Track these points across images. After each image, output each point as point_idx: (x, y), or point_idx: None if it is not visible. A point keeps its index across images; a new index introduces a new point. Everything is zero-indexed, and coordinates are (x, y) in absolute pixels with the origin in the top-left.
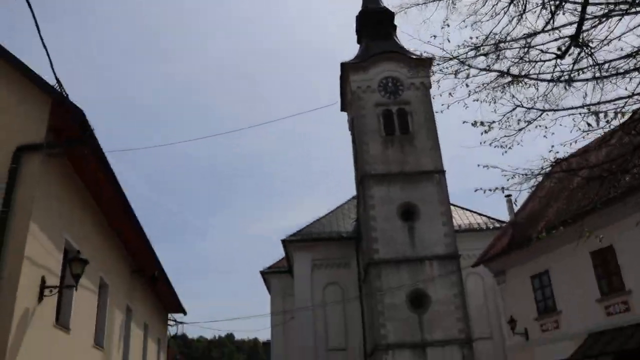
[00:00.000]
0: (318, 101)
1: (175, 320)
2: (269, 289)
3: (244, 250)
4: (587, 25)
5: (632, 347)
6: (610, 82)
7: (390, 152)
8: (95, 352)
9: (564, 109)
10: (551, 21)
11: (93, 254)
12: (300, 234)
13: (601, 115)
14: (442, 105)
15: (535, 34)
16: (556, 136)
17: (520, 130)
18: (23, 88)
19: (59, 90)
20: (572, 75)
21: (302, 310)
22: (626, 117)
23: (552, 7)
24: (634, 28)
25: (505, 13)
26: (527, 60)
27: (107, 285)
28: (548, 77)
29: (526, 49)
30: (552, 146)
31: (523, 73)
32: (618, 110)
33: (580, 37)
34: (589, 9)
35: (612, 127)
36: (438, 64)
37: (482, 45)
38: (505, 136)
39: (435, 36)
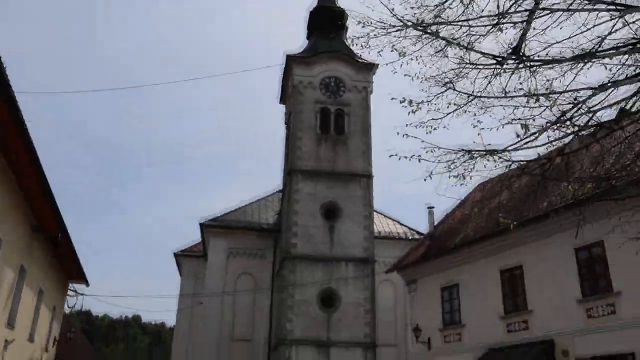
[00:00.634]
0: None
1: (75, 291)
2: (181, 272)
3: (163, 232)
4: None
5: None
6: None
7: (322, 150)
8: None
9: (494, 97)
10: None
11: None
12: (219, 220)
13: (529, 126)
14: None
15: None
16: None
17: (448, 114)
18: None
19: None
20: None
21: (212, 297)
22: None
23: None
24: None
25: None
26: (467, 62)
27: (0, 240)
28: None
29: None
30: (479, 134)
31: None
32: (544, 127)
33: (522, 48)
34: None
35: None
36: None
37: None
38: (432, 119)
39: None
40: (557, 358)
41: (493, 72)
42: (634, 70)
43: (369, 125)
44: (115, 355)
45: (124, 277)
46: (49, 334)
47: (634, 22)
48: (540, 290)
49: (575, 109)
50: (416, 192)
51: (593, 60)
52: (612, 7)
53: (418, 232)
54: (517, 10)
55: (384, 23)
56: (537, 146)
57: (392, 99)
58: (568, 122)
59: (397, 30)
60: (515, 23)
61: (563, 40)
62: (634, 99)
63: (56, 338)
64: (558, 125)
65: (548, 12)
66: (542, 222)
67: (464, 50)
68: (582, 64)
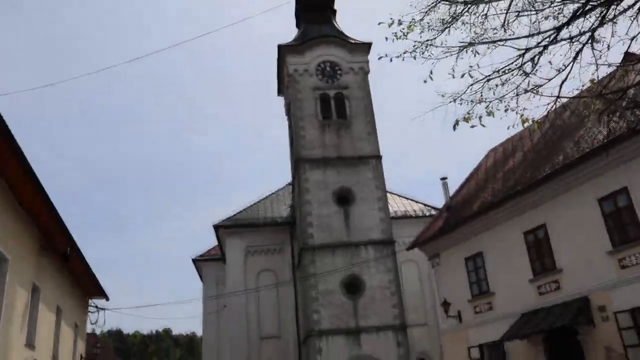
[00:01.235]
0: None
1: (96, 306)
2: (202, 277)
3: (179, 241)
4: None
5: (561, 325)
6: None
7: (326, 136)
8: None
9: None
10: None
11: None
12: (233, 220)
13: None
14: None
15: None
16: None
17: (444, 29)
18: None
19: None
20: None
21: (235, 298)
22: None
23: None
24: None
25: None
26: None
27: (7, 259)
28: None
29: None
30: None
31: None
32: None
33: None
34: None
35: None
36: None
37: None
38: (427, 40)
39: None
40: (594, 315)
41: None
42: None
43: (370, 106)
44: None
45: (150, 293)
46: (73, 352)
47: None
48: (567, 248)
49: None
50: (427, 172)
51: None
52: None
53: (434, 208)
54: None
55: None
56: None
57: (379, 23)
58: None
59: None
60: None
61: None
62: None
63: (82, 356)
64: None
65: None
66: (561, 175)
67: None
68: None
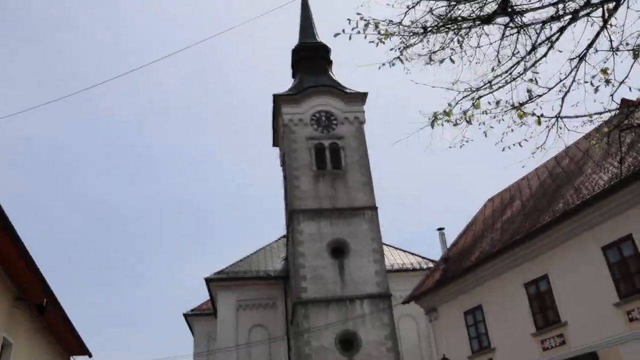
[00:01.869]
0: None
1: None
2: (193, 333)
3: (171, 295)
4: None
5: None
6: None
7: (321, 187)
8: None
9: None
10: None
11: None
12: (225, 272)
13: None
14: None
15: None
16: None
17: (428, 31)
18: None
19: None
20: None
21: (226, 355)
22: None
23: None
24: None
25: None
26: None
27: None
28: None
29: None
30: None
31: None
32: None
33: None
34: None
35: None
36: None
37: None
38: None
39: None
40: None
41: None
42: None
43: (366, 156)
44: None
45: (138, 349)
46: None
47: None
48: (572, 300)
49: None
50: (423, 222)
51: None
52: None
53: (431, 260)
54: None
55: None
56: None
57: (362, 18)
58: None
59: None
60: None
61: None
62: None
63: None
64: None
65: None
66: (562, 223)
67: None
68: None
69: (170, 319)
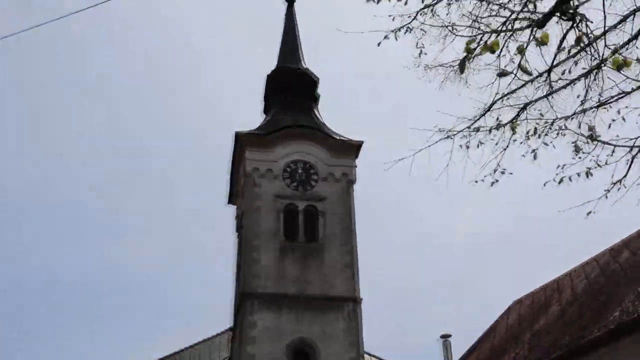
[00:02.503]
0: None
1: None
2: None
3: None
4: None
5: None
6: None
7: (288, 264)
8: None
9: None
10: None
11: None
12: None
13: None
14: None
15: None
16: None
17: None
18: None
19: None
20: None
21: None
22: None
23: None
24: None
25: None
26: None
27: None
28: None
29: None
30: None
31: None
32: None
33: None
34: None
35: None
36: None
37: None
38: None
39: None
40: None
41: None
42: None
43: (352, 228)
44: None
45: None
46: None
47: None
48: None
49: None
50: (422, 327)
51: None
52: None
53: None
54: None
55: None
56: None
57: None
58: None
59: None
60: None
61: None
62: None
63: None
64: None
65: None
66: (617, 340)
67: None
68: None
69: None
